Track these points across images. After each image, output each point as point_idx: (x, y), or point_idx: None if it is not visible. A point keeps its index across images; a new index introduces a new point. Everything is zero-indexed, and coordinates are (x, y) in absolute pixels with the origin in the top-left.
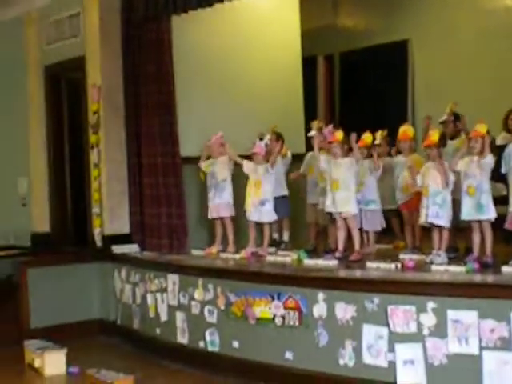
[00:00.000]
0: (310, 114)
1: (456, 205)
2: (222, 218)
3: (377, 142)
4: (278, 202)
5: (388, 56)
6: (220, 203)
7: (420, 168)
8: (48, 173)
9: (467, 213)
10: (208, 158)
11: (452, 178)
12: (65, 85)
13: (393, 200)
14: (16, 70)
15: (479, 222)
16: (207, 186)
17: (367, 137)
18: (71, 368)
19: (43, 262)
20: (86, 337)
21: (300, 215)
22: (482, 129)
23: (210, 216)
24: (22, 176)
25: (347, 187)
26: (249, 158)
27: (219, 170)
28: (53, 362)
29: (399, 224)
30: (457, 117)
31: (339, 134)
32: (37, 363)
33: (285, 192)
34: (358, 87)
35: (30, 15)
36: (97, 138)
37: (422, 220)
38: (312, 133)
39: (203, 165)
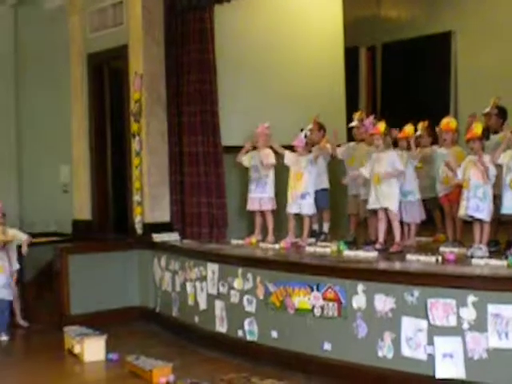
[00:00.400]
0: (352, 104)
1: (497, 198)
2: (262, 211)
3: (418, 132)
4: (319, 194)
5: (431, 47)
6: (262, 197)
7: (461, 161)
8: (90, 160)
9: (509, 206)
10: (251, 149)
11: (494, 171)
12: (107, 73)
13: (433, 191)
14: (60, 58)
15: None
16: (249, 177)
17: (409, 128)
18: (110, 354)
19: (84, 249)
20: (125, 324)
21: (340, 207)
22: None
23: (250, 208)
24: (64, 163)
25: (389, 182)
26: (290, 148)
27: (262, 163)
28: (92, 348)
29: (441, 217)
30: (500, 111)
31: (381, 126)
32: (76, 349)
33: (325, 185)
34: (400, 79)
35: (74, 4)
36: (138, 126)
37: (461, 213)
38: (353, 123)
39: (244, 158)
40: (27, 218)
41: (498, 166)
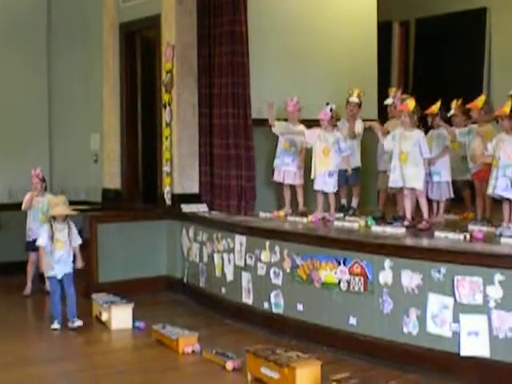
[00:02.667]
0: (384, 80)
1: None
2: (292, 184)
3: (452, 111)
4: (351, 173)
5: (465, 24)
6: (292, 170)
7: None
8: (120, 130)
9: None
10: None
11: None
12: (139, 43)
13: (465, 171)
14: (93, 27)
15: None
16: (279, 150)
17: (436, 106)
18: (137, 323)
19: (113, 218)
20: (152, 293)
21: (369, 182)
22: None
23: (279, 180)
24: (94, 132)
25: (416, 162)
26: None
27: (294, 137)
28: (120, 316)
29: (471, 195)
30: None
31: (411, 103)
32: (104, 317)
33: (358, 163)
34: (433, 55)
35: None
36: (169, 97)
37: (489, 191)
38: (388, 101)
39: (276, 126)
40: (57, 186)
41: None
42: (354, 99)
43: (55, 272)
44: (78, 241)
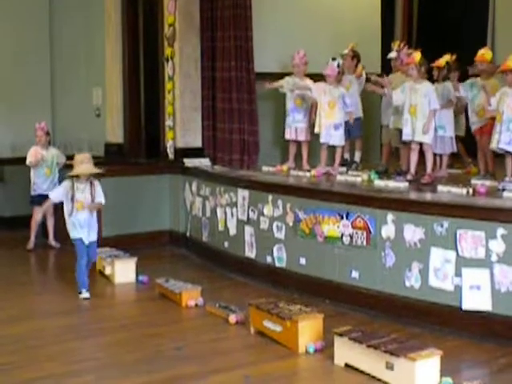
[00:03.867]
0: (387, 35)
1: None
2: (298, 140)
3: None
4: (354, 123)
5: None
6: (300, 126)
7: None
8: (122, 84)
9: None
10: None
11: None
12: None
13: (457, 127)
14: None
15: None
16: (290, 107)
17: (443, 59)
18: (141, 277)
19: (116, 172)
20: (155, 247)
21: (372, 136)
22: None
23: (287, 137)
24: (96, 86)
25: (424, 115)
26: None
27: (304, 93)
28: (123, 270)
29: (464, 149)
30: None
31: (417, 56)
32: (107, 270)
33: (359, 114)
34: (438, 9)
35: None
36: (172, 50)
37: (493, 145)
38: (392, 54)
39: (281, 83)
40: (60, 140)
41: None
42: (345, 51)
43: (80, 235)
44: (101, 199)
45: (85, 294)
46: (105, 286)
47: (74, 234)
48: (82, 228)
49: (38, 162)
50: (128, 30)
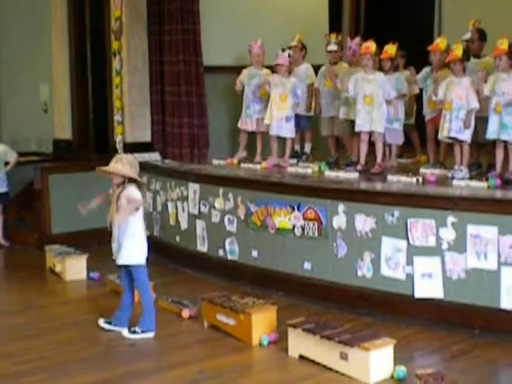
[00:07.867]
0: (335, 25)
1: (479, 121)
2: (254, 131)
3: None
4: (302, 117)
5: None
6: (259, 118)
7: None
8: (70, 79)
9: (493, 131)
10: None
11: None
12: None
13: (409, 115)
14: None
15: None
16: (249, 98)
17: (390, 48)
18: (92, 273)
19: (64, 169)
20: (106, 243)
21: (321, 128)
22: (503, 45)
23: (245, 128)
24: (43, 82)
25: (379, 105)
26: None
27: (261, 83)
28: (74, 267)
29: (419, 138)
30: (482, 34)
31: (372, 46)
32: (58, 268)
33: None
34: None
35: None
36: (119, 44)
37: (444, 134)
38: (332, 47)
39: (241, 77)
40: (7, 137)
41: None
42: (293, 43)
43: None
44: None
45: None
46: (56, 284)
47: None
48: None
49: None
50: (74, 24)
